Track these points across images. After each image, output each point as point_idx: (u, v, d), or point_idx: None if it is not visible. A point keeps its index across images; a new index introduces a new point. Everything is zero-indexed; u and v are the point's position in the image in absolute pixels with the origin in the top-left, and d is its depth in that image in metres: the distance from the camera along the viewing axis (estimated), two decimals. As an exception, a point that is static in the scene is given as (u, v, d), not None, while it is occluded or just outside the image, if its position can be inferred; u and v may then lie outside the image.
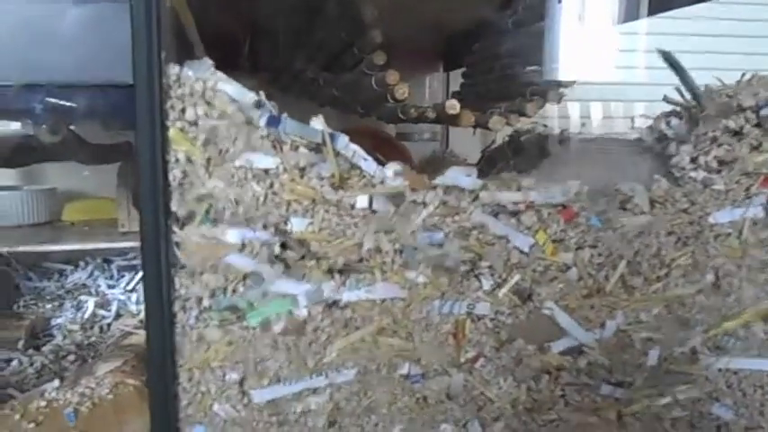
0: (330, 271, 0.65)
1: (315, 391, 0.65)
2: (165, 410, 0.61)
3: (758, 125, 0.72)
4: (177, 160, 0.61)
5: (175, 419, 0.62)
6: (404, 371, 0.66)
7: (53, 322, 1.27)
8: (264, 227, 0.63)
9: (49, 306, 1.33)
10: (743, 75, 0.78)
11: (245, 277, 0.63)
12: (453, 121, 0.94)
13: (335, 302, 0.65)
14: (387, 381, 0.67)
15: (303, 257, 0.65)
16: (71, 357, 1.13)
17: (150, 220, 0.60)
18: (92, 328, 1.24)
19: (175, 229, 0.61)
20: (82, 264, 1.48)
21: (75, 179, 1.47)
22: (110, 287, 1.38)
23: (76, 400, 0.94)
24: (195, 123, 0.61)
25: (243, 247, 0.63)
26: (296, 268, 0.64)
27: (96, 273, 1.45)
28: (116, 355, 1.03)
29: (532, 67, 1.00)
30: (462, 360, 0.67)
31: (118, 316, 1.28)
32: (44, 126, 0.94)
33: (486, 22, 1.15)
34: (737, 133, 0.73)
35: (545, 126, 1.25)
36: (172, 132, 0.61)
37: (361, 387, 0.66)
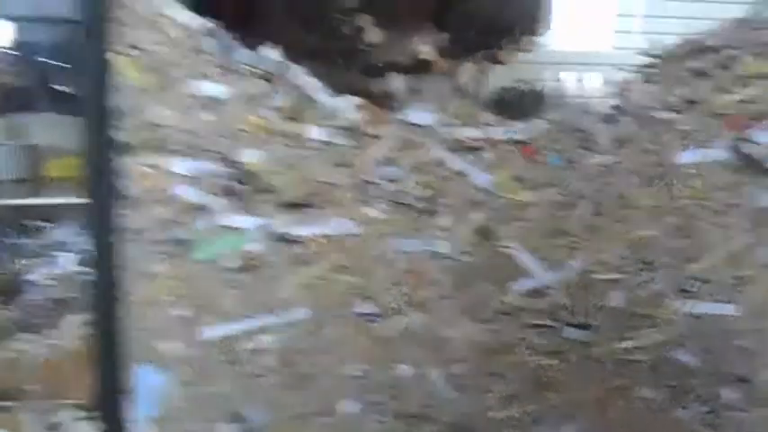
0: (282, 205, 0.64)
1: (267, 329, 0.64)
2: (110, 347, 0.59)
3: (724, 67, 0.72)
4: (122, 88, 0.60)
5: (120, 357, 0.60)
6: (359, 309, 0.65)
7: (28, 278, 1.24)
8: (214, 157, 0.62)
9: (25, 262, 1.30)
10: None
11: (193, 209, 0.62)
12: (427, 68, 0.92)
13: (288, 238, 0.64)
14: (341, 320, 0.65)
15: (255, 191, 0.64)
16: (42, 312, 1.12)
17: (94, 149, 0.58)
18: (68, 284, 1.20)
19: (120, 157, 0.60)
20: (61, 221, 1.44)
21: (56, 136, 1.45)
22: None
23: (43, 351, 0.92)
24: (141, 49, 0.60)
25: (191, 178, 0.62)
26: (247, 202, 0.63)
27: (77, 230, 1.41)
28: (85, 309, 1.01)
29: (512, 15, 0.99)
30: (420, 299, 0.66)
31: None
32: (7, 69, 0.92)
33: None
34: (703, 74, 0.72)
35: (528, 83, 1.25)
36: (117, 58, 0.59)
37: (314, 326, 0.65)
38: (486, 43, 1.00)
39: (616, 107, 0.74)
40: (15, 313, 1.08)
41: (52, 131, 1.41)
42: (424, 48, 0.84)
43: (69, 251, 1.30)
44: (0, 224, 1.37)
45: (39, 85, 0.99)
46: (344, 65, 1.06)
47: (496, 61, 0.90)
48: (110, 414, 0.58)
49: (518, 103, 1.04)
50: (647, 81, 0.74)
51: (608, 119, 0.72)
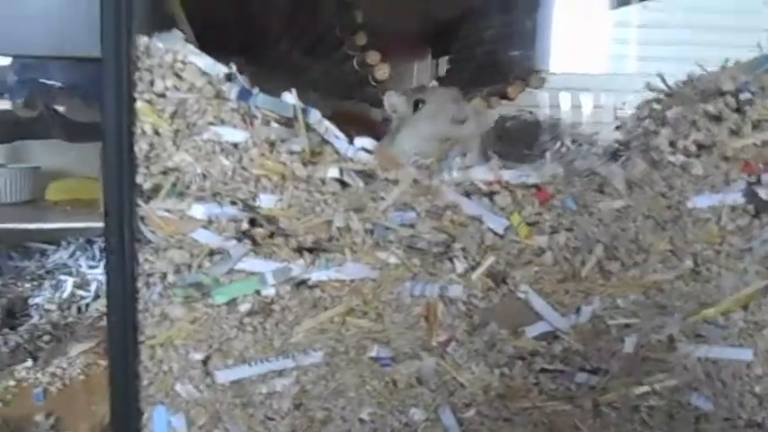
0: (299, 249, 0.64)
1: (281, 372, 0.63)
2: (126, 389, 0.59)
3: (737, 110, 0.72)
4: (144, 132, 0.61)
5: (136, 399, 0.60)
6: (373, 353, 0.64)
7: (31, 302, 1.24)
8: (232, 202, 0.62)
9: (28, 285, 1.30)
10: (726, 60, 0.78)
11: (211, 253, 0.63)
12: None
13: (304, 282, 0.64)
14: (355, 363, 0.65)
15: (272, 235, 0.64)
16: (46, 338, 1.12)
17: (114, 194, 0.59)
18: (69, 308, 1.21)
19: (140, 202, 0.61)
20: (64, 244, 1.45)
21: (58, 158, 1.45)
22: (91, 267, 1.36)
23: (47, 380, 0.92)
24: (163, 95, 0.61)
25: (209, 222, 0.62)
26: (264, 246, 0.63)
27: (78, 253, 1.42)
28: (90, 336, 1.02)
29: (516, 53, 1.00)
30: (434, 344, 0.66)
31: (97, 297, 1.25)
32: (19, 100, 0.93)
33: (473, 7, 1.15)
34: (717, 118, 0.73)
35: (530, 113, 1.25)
36: (139, 104, 0.60)
37: (328, 369, 0.64)
38: (491, 80, 1.02)
39: (626, 148, 0.75)
40: (23, 338, 1.09)
41: (53, 154, 1.42)
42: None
43: (71, 274, 1.31)
44: (3, 246, 1.39)
45: (48, 114, 1.01)
46: (349, 98, 1.08)
47: (504, 97, 0.91)
48: (125, 458, 0.59)
49: (520, 133, 1.05)
50: (658, 121, 0.75)
51: (621, 161, 0.73)
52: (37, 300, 1.24)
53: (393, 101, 0.90)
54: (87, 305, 1.22)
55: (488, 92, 1.03)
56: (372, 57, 0.86)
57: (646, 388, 0.71)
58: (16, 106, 0.99)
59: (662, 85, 0.79)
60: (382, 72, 0.88)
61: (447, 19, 1.38)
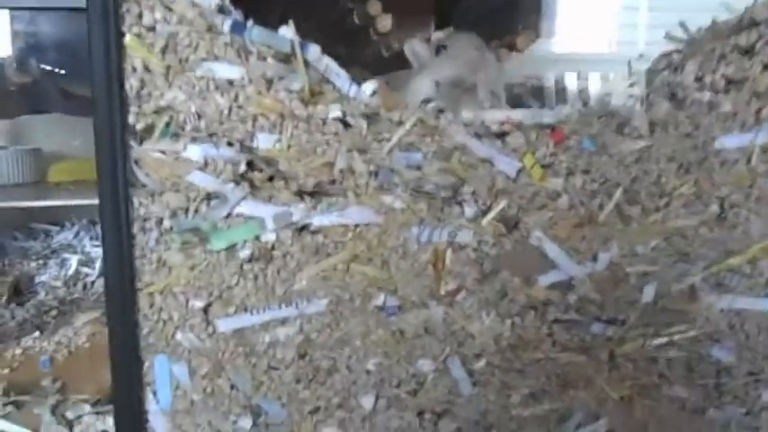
0: (300, 193, 0.61)
1: (284, 321, 0.61)
2: (125, 338, 0.58)
3: (772, 43, 0.67)
4: (134, 69, 0.58)
5: (136, 348, 0.59)
6: (379, 302, 0.62)
7: (37, 280, 1.26)
8: (229, 143, 0.59)
9: (34, 264, 1.32)
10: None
11: (208, 197, 0.60)
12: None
13: (305, 227, 0.61)
14: (360, 312, 0.62)
15: (271, 178, 0.61)
16: (53, 312, 1.13)
17: (105, 135, 0.57)
18: (75, 285, 1.22)
19: (133, 144, 0.59)
20: (68, 224, 1.46)
21: (60, 140, 1.43)
22: (95, 246, 1.37)
23: (53, 348, 0.94)
24: (153, 29, 0.57)
25: (205, 164, 0.59)
26: (263, 189, 0.60)
27: (82, 233, 1.43)
28: (95, 307, 1.02)
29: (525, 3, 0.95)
30: (442, 292, 0.63)
31: (101, 274, 1.28)
32: (13, 65, 0.91)
33: None
34: (748, 51, 0.68)
35: (538, 80, 1.20)
36: (128, 38, 0.57)
37: (332, 318, 0.62)
38: (499, 33, 0.97)
39: (651, 87, 0.71)
40: (30, 313, 1.10)
41: (55, 135, 1.41)
42: (437, 35, 0.80)
43: (75, 253, 1.32)
44: (8, 228, 1.40)
45: (46, 85, 0.99)
46: (353, 55, 1.03)
47: (513, 48, 0.86)
48: (125, 407, 0.57)
49: (530, 98, 1.01)
50: (684, 59, 0.70)
51: (643, 101, 0.69)
52: (43, 277, 1.26)
53: (416, 48, 0.88)
54: (93, 282, 1.23)
55: (497, 43, 0.98)
56: (374, 6, 0.82)
57: (665, 339, 0.67)
58: (10, 72, 0.97)
59: (682, 35, 0.75)
60: (384, 24, 0.83)
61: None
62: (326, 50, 0.61)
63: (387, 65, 0.97)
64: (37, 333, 0.99)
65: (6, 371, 0.90)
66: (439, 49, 0.85)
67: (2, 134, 1.47)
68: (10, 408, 0.80)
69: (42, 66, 1.01)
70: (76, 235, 1.43)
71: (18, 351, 0.94)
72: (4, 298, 1.15)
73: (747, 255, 0.68)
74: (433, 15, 1.59)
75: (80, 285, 1.22)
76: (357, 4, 0.92)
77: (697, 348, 0.69)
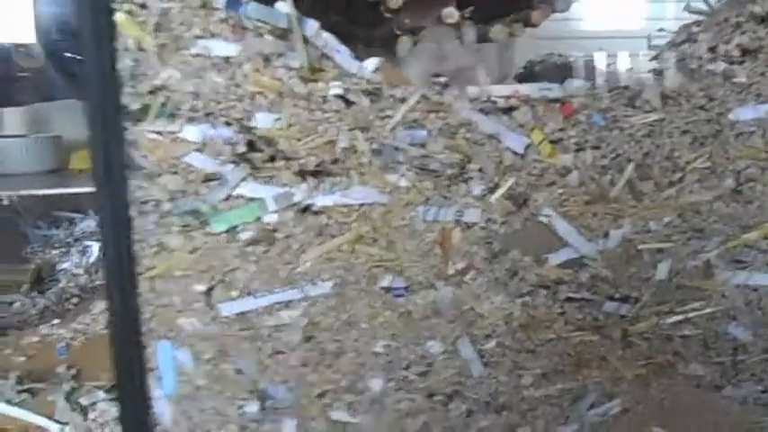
0: (301, 173, 0.59)
1: (288, 304, 0.60)
2: (126, 324, 0.57)
3: (789, 9, 0.65)
4: (126, 48, 0.56)
5: (137, 333, 0.58)
6: (385, 283, 0.61)
7: (59, 267, 1.26)
8: (227, 123, 0.58)
9: (56, 252, 1.31)
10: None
11: (207, 179, 0.58)
12: (452, 30, 0.87)
13: (308, 207, 0.59)
14: (367, 294, 0.61)
15: (271, 158, 0.60)
16: (74, 300, 1.13)
17: (98, 116, 0.55)
18: (96, 272, 1.21)
19: (128, 125, 0.57)
20: (91, 212, 1.43)
21: (81, 127, 1.45)
22: None
23: (70, 335, 0.93)
24: (144, 5, 0.55)
25: (204, 145, 0.58)
26: (263, 170, 0.59)
27: None
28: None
29: None
30: (450, 272, 0.61)
31: None
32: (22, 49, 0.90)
33: None
34: (764, 19, 0.65)
35: (560, 55, 1.17)
36: (119, 16, 0.55)
37: (338, 300, 0.60)
38: (514, 7, 0.94)
39: (663, 59, 0.68)
40: (50, 301, 1.10)
41: (75, 122, 1.40)
42: (449, 12, 0.77)
43: (98, 241, 1.31)
44: (31, 216, 1.40)
45: (60, 71, 0.98)
46: (365, 35, 1.01)
47: (529, 24, 0.84)
48: (129, 392, 0.57)
49: (550, 75, 0.98)
50: (700, 29, 0.68)
51: (656, 72, 0.67)
52: (65, 265, 1.25)
53: (406, 46, 0.89)
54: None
55: (512, 19, 0.96)
56: None
57: (679, 317, 0.66)
58: (19, 57, 0.96)
59: (703, 6, 0.72)
60: (395, 1, 0.81)
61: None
62: (334, 29, 0.60)
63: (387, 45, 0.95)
64: (56, 321, 0.99)
65: (23, 359, 0.90)
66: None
67: (22, 122, 1.46)
68: (25, 395, 0.80)
69: (58, 56, 1.00)
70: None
71: (35, 339, 0.94)
72: (26, 286, 1.15)
73: (764, 230, 0.66)
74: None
75: (101, 273, 1.23)
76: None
77: (713, 326, 0.67)
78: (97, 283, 1.17)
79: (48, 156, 1.29)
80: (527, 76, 1.08)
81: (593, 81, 0.65)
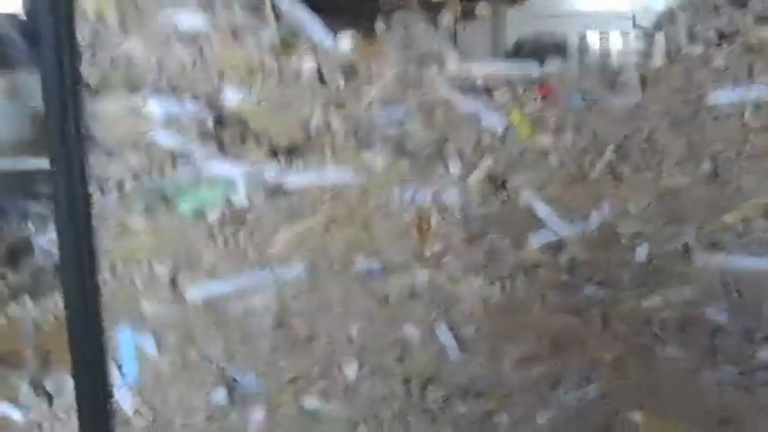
0: (273, 152, 0.57)
1: (258, 288, 0.59)
2: (84, 308, 0.54)
3: (765, -8, 0.65)
4: (85, 18, 0.54)
5: (96, 317, 0.55)
6: (360, 266, 0.59)
7: (34, 242, 1.21)
8: (194, 97, 0.56)
9: (31, 226, 1.27)
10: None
11: (172, 157, 0.56)
12: (438, 8, 0.85)
13: (279, 188, 0.57)
14: (341, 276, 0.59)
15: (242, 137, 0.58)
16: (48, 277, 1.09)
17: (54, 87, 0.52)
18: None
19: (86, 97, 0.54)
20: None
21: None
22: None
23: (40, 315, 0.89)
24: (106, -28, 0.54)
25: (168, 121, 0.56)
26: (233, 148, 0.57)
27: None
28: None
29: None
30: (427, 254, 0.60)
31: None
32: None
33: None
34: (741, 2, 0.65)
35: (550, 34, 1.17)
36: (78, -18, 0.53)
37: (311, 283, 0.59)
38: None
39: (643, 40, 0.68)
40: (22, 277, 1.06)
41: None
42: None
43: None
44: (7, 188, 1.34)
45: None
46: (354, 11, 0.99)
47: (512, 2, 0.83)
48: (87, 381, 0.54)
49: (538, 53, 0.98)
50: (678, 11, 0.68)
51: (635, 55, 0.66)
52: (40, 240, 1.21)
53: (381, 28, 0.87)
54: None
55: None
56: None
57: (658, 300, 0.65)
58: None
59: None
60: None
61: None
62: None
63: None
64: (26, 297, 0.94)
65: (-12, 341, 0.85)
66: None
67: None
68: (-13, 379, 0.76)
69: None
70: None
71: (2, 321, 0.90)
72: None
73: (741, 212, 0.67)
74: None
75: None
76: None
77: (691, 309, 0.67)
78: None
79: (22, 125, 1.24)
80: (515, 54, 1.07)
81: (578, 61, 0.64)
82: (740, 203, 0.65)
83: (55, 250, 1.14)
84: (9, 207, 1.29)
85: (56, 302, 0.88)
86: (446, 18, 0.82)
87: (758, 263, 0.67)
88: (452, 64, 0.62)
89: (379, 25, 0.89)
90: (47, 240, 1.17)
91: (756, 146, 0.64)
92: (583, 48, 1.01)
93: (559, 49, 1.01)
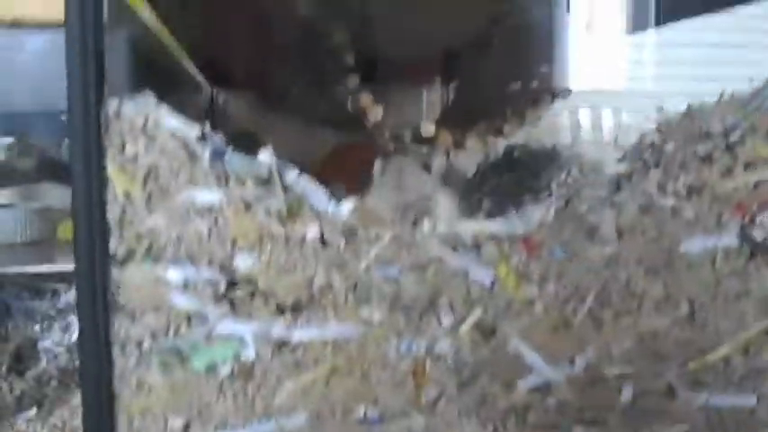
0: (279, 309, 0.62)
1: (264, 438, 0.62)
2: (104, 463, 0.58)
3: (728, 149, 0.71)
4: (116, 198, 0.60)
5: (114, 471, 0.59)
6: (360, 414, 0.63)
7: (40, 345, 1.22)
8: (209, 263, 0.61)
9: (37, 328, 1.27)
10: (721, 95, 0.77)
11: (188, 318, 0.61)
12: (431, 142, 0.92)
13: (285, 343, 0.63)
14: (342, 424, 0.63)
15: (251, 296, 0.63)
16: (54, 383, 1.09)
17: (85, 260, 0.58)
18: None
19: (114, 268, 0.60)
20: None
21: (69, 197, 1.46)
22: None
23: (47, 431, 0.91)
24: (135, 159, 0.60)
25: (186, 286, 0.61)
26: (243, 307, 0.62)
27: None
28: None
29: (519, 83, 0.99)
30: (423, 401, 0.64)
31: None
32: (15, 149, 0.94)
33: (474, 36, 1.13)
34: (707, 159, 0.71)
35: (537, 141, 1.23)
36: (110, 170, 0.59)
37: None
38: (492, 114, 1.00)
39: (628, 179, 0.73)
40: (27, 385, 1.07)
41: (63, 193, 1.42)
42: (427, 125, 0.83)
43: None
44: (13, 288, 1.37)
45: (43, 162, 1.02)
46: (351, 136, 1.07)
47: (499, 134, 0.90)
48: None
49: (528, 162, 1.03)
50: (655, 156, 0.73)
51: (612, 205, 0.72)
52: (46, 343, 1.22)
53: (380, 168, 0.95)
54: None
55: (485, 128, 1.02)
56: (365, 99, 0.85)
57: (645, 440, 0.70)
58: (11, 157, 1.00)
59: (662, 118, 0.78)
60: (375, 114, 0.87)
61: (454, 48, 1.36)
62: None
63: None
64: (34, 411, 0.95)
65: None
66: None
67: (10, 192, 1.47)
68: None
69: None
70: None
71: None
72: (4, 367, 1.11)
73: (720, 352, 0.70)
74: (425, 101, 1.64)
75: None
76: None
77: (677, 448, 0.70)
78: (77, 362, 1.16)
79: (36, 226, 1.30)
80: (504, 163, 1.13)
81: (558, 212, 0.69)
82: (719, 343, 0.70)
83: (58, 350, 1.16)
84: (16, 306, 1.32)
85: (64, 419, 0.90)
86: (437, 162, 0.89)
87: (740, 400, 0.70)
88: (444, 212, 0.68)
89: (378, 167, 0.97)
90: (52, 343, 1.20)
91: (729, 289, 0.69)
92: (562, 154, 1.07)
93: (544, 155, 1.06)
